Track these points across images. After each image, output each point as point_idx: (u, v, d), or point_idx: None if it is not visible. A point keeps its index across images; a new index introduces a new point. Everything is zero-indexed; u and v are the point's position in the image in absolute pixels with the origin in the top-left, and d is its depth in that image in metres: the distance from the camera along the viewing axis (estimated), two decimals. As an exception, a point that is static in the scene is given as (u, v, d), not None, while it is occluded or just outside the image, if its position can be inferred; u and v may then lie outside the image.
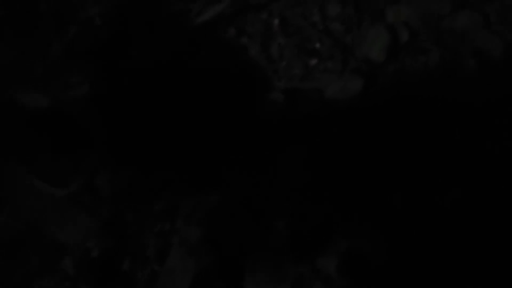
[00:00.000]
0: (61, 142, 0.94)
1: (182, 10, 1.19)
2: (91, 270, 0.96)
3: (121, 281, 0.99)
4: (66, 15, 1.16)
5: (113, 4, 1.18)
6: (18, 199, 0.95)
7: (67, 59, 1.13)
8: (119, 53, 1.14)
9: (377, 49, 1.09)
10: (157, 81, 1.12)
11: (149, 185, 1.03)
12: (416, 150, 0.97)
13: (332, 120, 1.01)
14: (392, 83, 1.08)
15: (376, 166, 0.96)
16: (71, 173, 0.97)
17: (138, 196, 1.03)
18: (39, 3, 1.15)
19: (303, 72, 1.15)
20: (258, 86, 1.13)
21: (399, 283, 0.92)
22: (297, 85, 1.13)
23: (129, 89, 1.10)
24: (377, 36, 1.10)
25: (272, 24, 1.19)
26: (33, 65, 1.12)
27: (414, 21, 1.14)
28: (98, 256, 0.97)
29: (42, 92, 0.96)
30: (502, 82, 1.08)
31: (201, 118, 1.08)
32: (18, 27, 1.15)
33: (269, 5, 1.20)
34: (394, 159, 0.96)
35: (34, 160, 0.92)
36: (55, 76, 1.13)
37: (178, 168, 1.04)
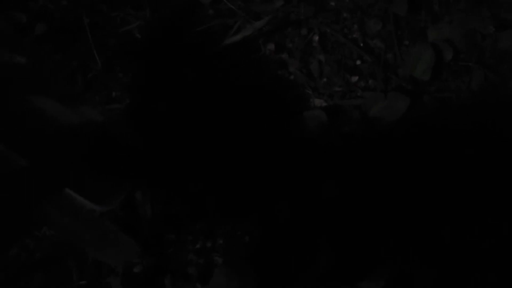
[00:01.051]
0: (100, 159, 0.93)
1: (221, 26, 1.19)
2: (135, 287, 0.95)
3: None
4: (107, 28, 1.16)
5: (153, 18, 1.18)
6: (58, 215, 0.94)
7: (107, 73, 1.13)
8: (159, 68, 1.13)
9: (422, 67, 1.08)
10: (196, 97, 1.11)
11: (188, 204, 1.02)
12: (466, 177, 0.95)
13: (380, 143, 1.00)
14: (437, 103, 1.07)
15: (425, 194, 0.94)
16: (111, 190, 0.96)
17: (177, 214, 1.02)
18: (81, 17, 1.16)
19: (344, 89, 1.13)
20: (298, 102, 1.11)
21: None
22: (338, 103, 1.11)
23: (170, 105, 1.10)
24: (422, 54, 1.08)
25: (312, 40, 1.18)
26: (72, 80, 1.12)
27: (457, 40, 1.13)
28: (141, 272, 0.96)
29: (81, 108, 0.95)
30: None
31: (242, 136, 1.07)
32: (58, 42, 1.15)
33: (308, 21, 1.19)
34: (444, 186, 0.94)
35: (73, 177, 0.90)
36: (95, 91, 1.13)
37: (218, 187, 1.03)
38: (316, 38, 1.18)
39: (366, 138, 1.02)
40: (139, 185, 1.02)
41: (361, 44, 1.17)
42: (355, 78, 1.14)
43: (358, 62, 1.16)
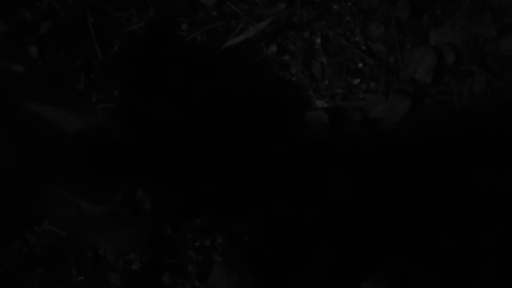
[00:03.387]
0: (98, 158, 0.93)
1: (224, 27, 1.20)
2: (134, 283, 0.95)
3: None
4: (111, 28, 1.17)
5: (157, 19, 1.19)
6: (57, 214, 0.94)
7: (110, 72, 1.14)
8: (162, 68, 1.14)
9: (424, 70, 1.08)
10: (198, 98, 1.12)
11: (189, 201, 1.02)
12: (466, 179, 0.95)
13: (381, 144, 1.00)
14: (438, 106, 1.07)
15: (426, 196, 0.94)
16: (109, 190, 0.96)
17: (178, 211, 1.02)
18: (86, 16, 1.17)
19: (346, 91, 1.14)
20: (300, 104, 1.12)
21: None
22: (340, 104, 1.12)
23: (172, 104, 1.10)
24: (423, 57, 1.09)
25: (314, 43, 1.18)
26: (76, 79, 1.13)
27: (459, 43, 1.13)
28: (139, 269, 0.96)
29: (81, 110, 0.94)
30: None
31: (243, 136, 1.07)
32: (62, 40, 1.16)
33: (311, 24, 1.20)
34: (444, 188, 0.94)
35: (70, 177, 0.90)
36: (98, 90, 1.13)
37: (219, 184, 1.03)
38: (319, 40, 1.19)
39: (368, 139, 1.03)
40: (139, 183, 1.02)
41: (363, 47, 1.18)
42: (356, 81, 1.14)
43: (360, 65, 1.16)
